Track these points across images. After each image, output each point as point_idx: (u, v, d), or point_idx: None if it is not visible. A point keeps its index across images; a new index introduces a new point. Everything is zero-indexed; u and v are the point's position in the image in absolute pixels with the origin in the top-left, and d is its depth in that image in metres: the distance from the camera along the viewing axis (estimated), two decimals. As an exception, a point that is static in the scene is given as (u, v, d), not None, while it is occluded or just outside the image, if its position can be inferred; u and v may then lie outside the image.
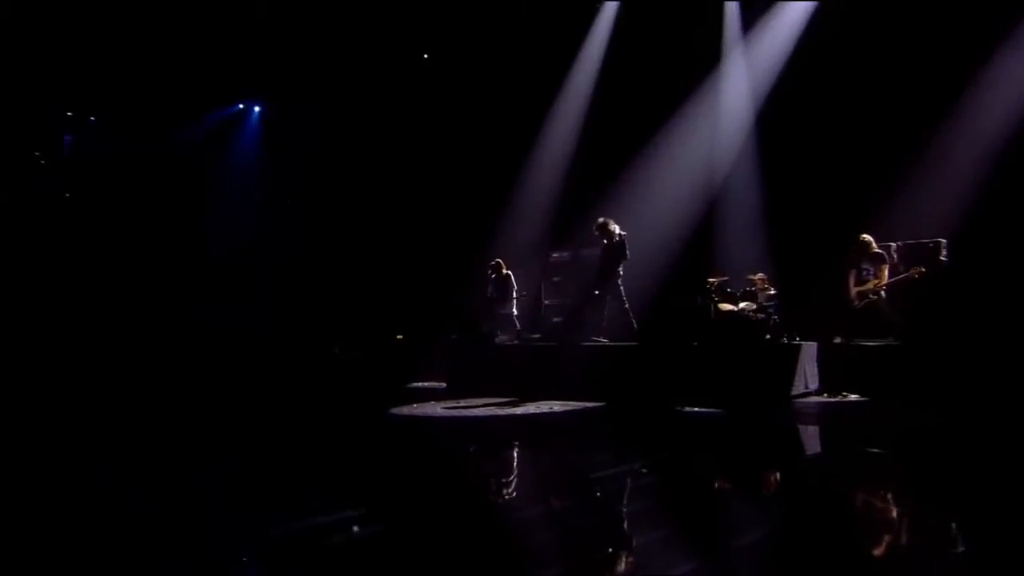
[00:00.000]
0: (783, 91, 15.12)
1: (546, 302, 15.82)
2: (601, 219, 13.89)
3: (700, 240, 15.35)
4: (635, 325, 13.52)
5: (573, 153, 17.10)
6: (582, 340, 13.57)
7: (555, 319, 15.57)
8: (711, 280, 14.07)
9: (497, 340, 14.65)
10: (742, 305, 13.70)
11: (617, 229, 13.74)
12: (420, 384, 15.60)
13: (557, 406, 11.99)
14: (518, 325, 15.48)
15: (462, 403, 12.61)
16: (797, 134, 14.57)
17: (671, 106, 16.04)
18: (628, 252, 13.59)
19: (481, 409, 12.02)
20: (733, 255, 14.91)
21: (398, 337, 19.31)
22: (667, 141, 16.01)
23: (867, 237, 13.06)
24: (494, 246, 16.66)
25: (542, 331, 15.14)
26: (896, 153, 13.74)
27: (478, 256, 16.62)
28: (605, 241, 13.82)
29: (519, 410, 11.81)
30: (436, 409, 12.16)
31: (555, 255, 16.12)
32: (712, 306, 13.71)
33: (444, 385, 14.94)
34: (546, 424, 10.96)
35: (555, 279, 15.88)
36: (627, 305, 13.60)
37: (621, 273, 13.68)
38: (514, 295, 15.53)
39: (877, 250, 13.00)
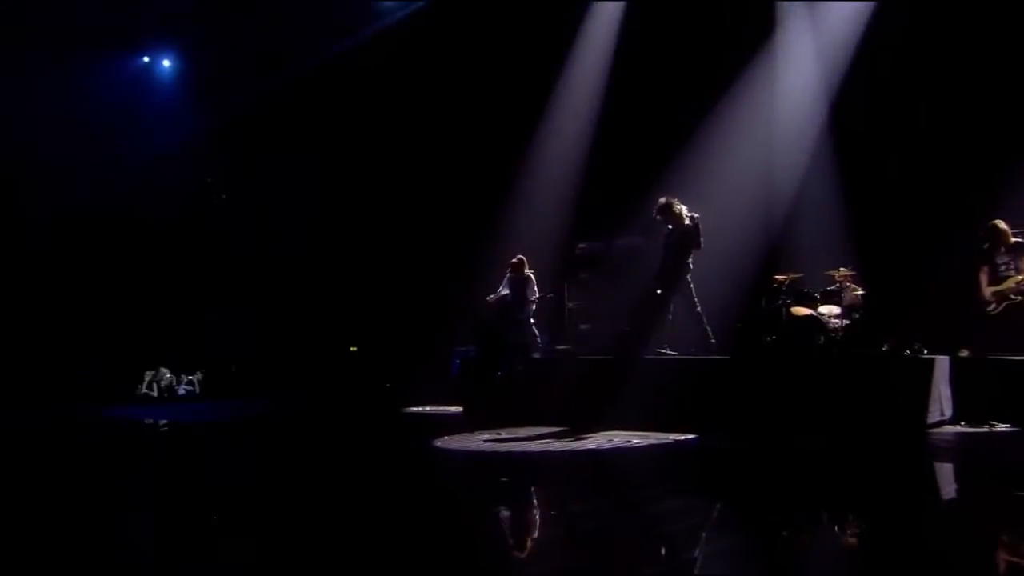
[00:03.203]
0: (866, 54, 12.56)
1: (570, 305, 12.82)
2: (664, 199, 11.01)
3: (764, 230, 12.75)
4: (710, 333, 10.66)
5: (595, 129, 14.21)
6: (644, 353, 10.61)
7: (582, 326, 12.73)
8: (778, 278, 11.57)
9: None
10: (822, 309, 11.25)
11: (686, 211, 10.87)
12: (421, 409, 12.52)
13: (635, 439, 9.07)
14: (537, 334, 12.48)
15: (504, 434, 9.68)
16: (886, 96, 12.08)
17: (725, 73, 13.42)
18: (702, 240, 10.68)
19: (536, 442, 9.13)
20: (807, 247, 12.35)
21: (351, 349, 16.32)
22: (721, 114, 13.31)
23: (1002, 224, 10.48)
24: (499, 238, 13.73)
25: (571, 341, 12.24)
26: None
27: (479, 252, 13.69)
28: (669, 227, 10.95)
29: (590, 444, 8.92)
30: (479, 442, 9.22)
31: (582, 246, 13.25)
32: (783, 310, 11.13)
33: (457, 410, 12.11)
34: (635, 463, 8.26)
35: (582, 276, 12.93)
36: (699, 308, 10.73)
37: (691, 267, 10.79)
38: (532, 298, 12.59)
39: (1017, 239, 10.41)
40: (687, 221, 10.80)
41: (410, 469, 8.40)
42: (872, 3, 12.82)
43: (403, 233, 15.59)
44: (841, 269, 11.55)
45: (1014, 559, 4.81)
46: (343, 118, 16.08)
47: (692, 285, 10.79)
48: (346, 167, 16.03)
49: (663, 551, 5.00)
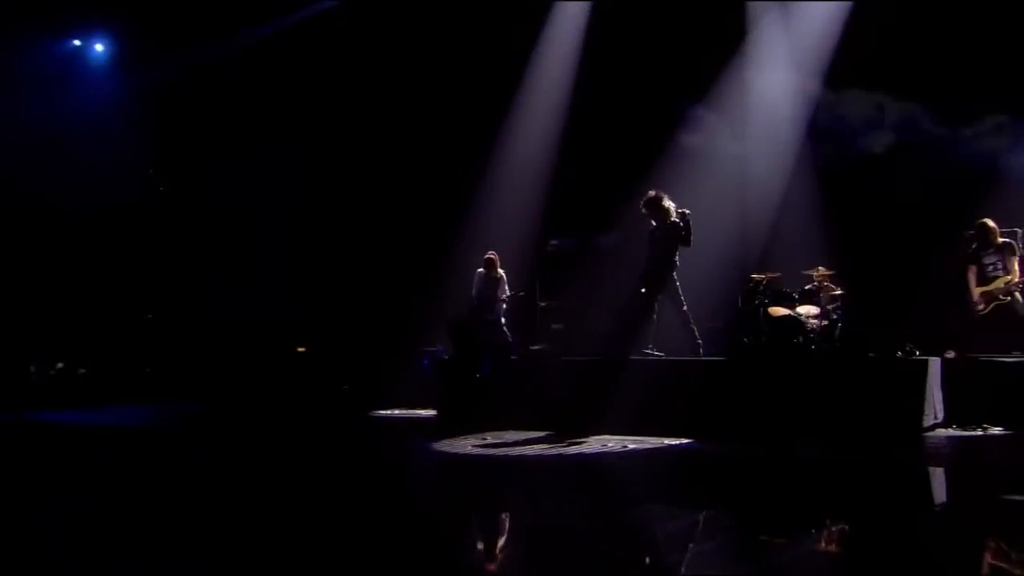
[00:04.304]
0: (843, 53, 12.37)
1: (542, 304, 12.36)
2: (652, 192, 10.61)
3: (740, 228, 12.53)
4: (697, 334, 10.29)
5: (566, 123, 13.74)
6: (630, 354, 10.20)
7: (554, 326, 12.34)
8: (755, 277, 11.30)
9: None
10: (800, 310, 10.99)
11: (674, 206, 10.46)
12: (389, 413, 11.92)
13: (630, 444, 8.61)
14: (508, 334, 12.01)
15: (489, 438, 9.14)
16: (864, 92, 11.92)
17: (699, 70, 13.14)
18: (692, 237, 10.30)
19: (529, 448, 8.57)
20: (785, 246, 12.16)
21: (299, 350, 15.62)
22: (697, 109, 12.95)
23: (990, 222, 10.31)
24: (466, 233, 13.22)
25: (543, 341, 11.84)
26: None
27: (445, 247, 13.17)
28: (654, 223, 10.54)
29: (587, 449, 8.43)
30: (466, 447, 8.67)
31: (554, 243, 12.80)
32: (761, 310, 10.89)
33: (429, 413, 11.59)
34: (637, 470, 7.76)
35: (554, 274, 12.46)
36: (686, 307, 10.35)
37: (678, 264, 10.41)
38: (503, 297, 12.11)
39: (1004, 239, 10.28)
40: (674, 217, 10.41)
41: (403, 476, 7.85)
42: (848, 3, 12.69)
43: (361, 227, 14.82)
44: (819, 269, 11.38)
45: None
46: (295, 103, 15.25)
47: (678, 283, 10.41)
48: (297, 155, 15.15)
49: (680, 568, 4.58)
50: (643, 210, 10.53)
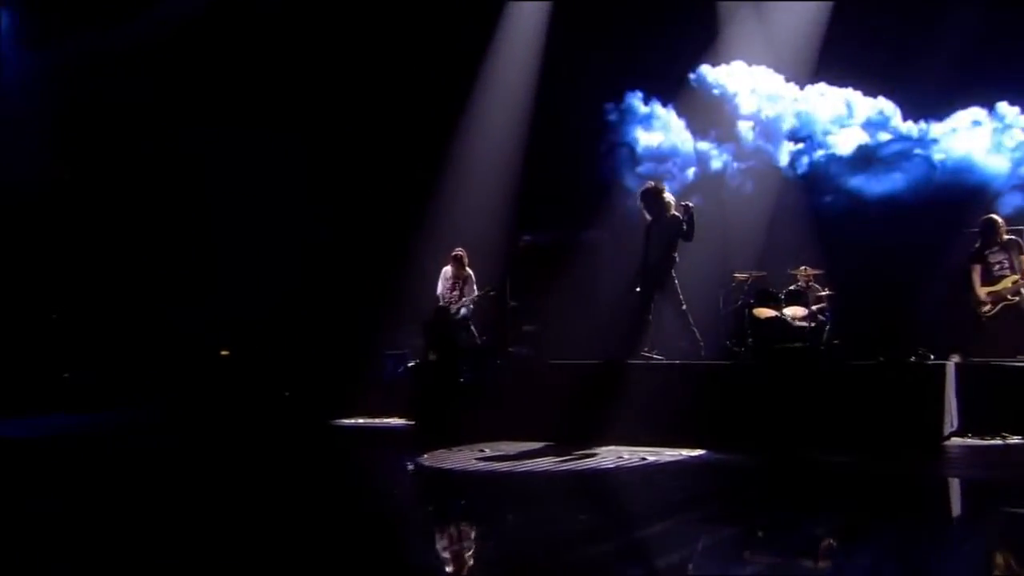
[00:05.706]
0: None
1: (513, 304, 11.61)
2: (652, 183, 9.92)
3: (721, 225, 11.83)
4: (698, 335, 9.59)
5: (534, 112, 12.92)
6: (628, 358, 9.42)
7: (527, 327, 11.64)
8: (738, 276, 11.00)
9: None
10: (787, 311, 10.62)
11: (674, 199, 9.76)
12: (354, 421, 11.04)
13: (648, 456, 7.81)
14: (476, 335, 11.36)
15: (488, 451, 8.21)
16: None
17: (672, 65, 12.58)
18: (694, 233, 9.55)
19: (540, 460, 7.75)
20: (769, 244, 11.71)
21: (223, 353, 14.44)
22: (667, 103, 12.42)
23: (997, 218, 9.93)
24: (429, 227, 12.48)
25: (516, 343, 11.20)
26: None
27: (407, 243, 12.49)
28: (650, 217, 9.74)
29: (605, 462, 7.61)
30: (467, 461, 7.74)
31: (527, 238, 12.17)
32: (746, 312, 10.65)
33: (398, 422, 10.79)
34: (668, 485, 7.09)
35: (526, 272, 11.77)
36: (685, 307, 9.61)
37: (677, 260, 9.67)
38: (472, 296, 11.42)
39: (1010, 236, 9.83)
40: (675, 210, 9.67)
41: (403, 498, 6.91)
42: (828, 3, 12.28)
43: (308, 220, 13.62)
44: (804, 268, 10.94)
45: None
46: (239, 89, 14.01)
47: (677, 281, 9.66)
48: (237, 143, 13.86)
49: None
50: (640, 202, 9.79)
